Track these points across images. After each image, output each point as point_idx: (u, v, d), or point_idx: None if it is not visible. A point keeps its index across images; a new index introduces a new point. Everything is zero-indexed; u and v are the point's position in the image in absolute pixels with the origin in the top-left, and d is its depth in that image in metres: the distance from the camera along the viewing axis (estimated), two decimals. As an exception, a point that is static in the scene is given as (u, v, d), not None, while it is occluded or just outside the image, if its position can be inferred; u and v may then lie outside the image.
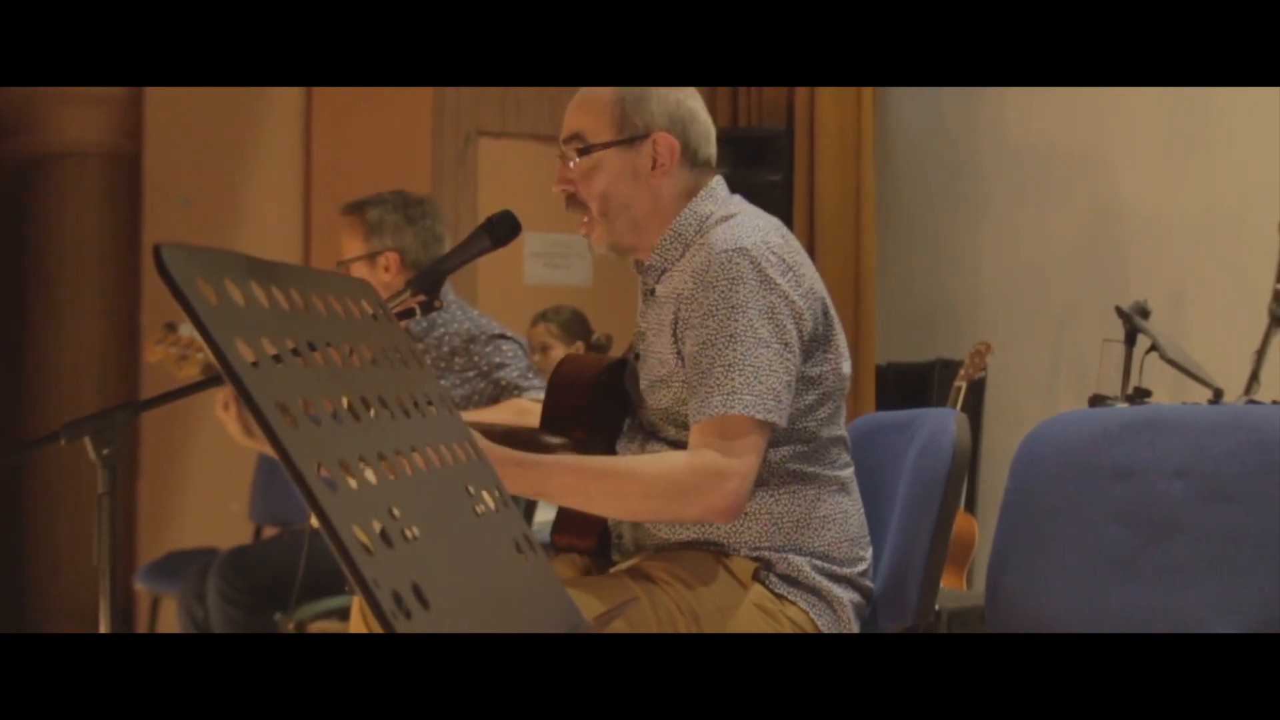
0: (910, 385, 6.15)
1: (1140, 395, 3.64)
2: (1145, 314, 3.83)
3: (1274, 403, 3.24)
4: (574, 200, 2.53)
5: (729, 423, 2.28)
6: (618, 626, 2.26)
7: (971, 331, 5.77)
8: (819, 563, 2.42)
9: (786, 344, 2.32)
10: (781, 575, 2.42)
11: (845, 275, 6.23)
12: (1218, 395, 3.44)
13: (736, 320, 2.30)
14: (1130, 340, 3.85)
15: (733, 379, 2.29)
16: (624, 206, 2.50)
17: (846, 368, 2.47)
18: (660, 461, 2.34)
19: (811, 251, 6.28)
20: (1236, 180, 4.80)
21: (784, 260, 2.37)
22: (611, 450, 2.60)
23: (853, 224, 6.25)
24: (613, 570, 2.49)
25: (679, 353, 2.40)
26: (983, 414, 5.77)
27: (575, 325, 5.87)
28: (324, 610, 4.22)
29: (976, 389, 5.62)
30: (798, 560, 2.41)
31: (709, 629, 2.36)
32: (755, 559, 2.42)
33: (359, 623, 2.52)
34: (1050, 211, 5.71)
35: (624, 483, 2.31)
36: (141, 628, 5.59)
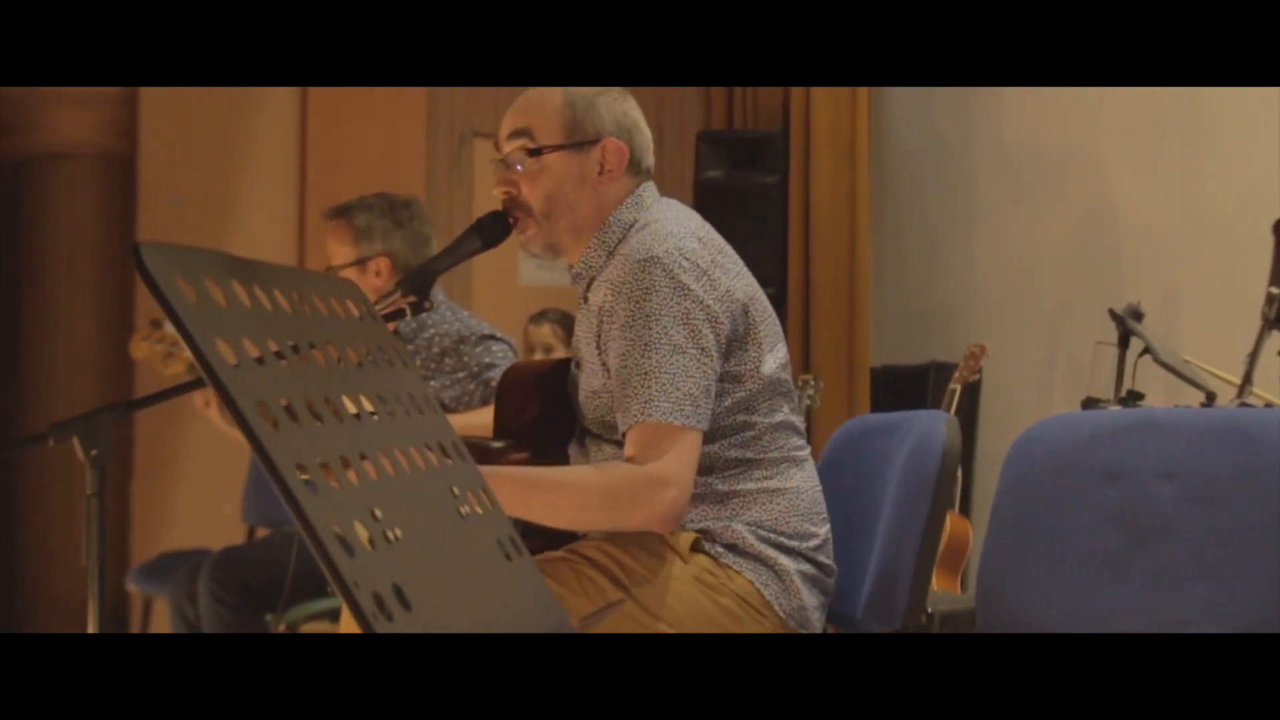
0: (904, 388, 6.14)
1: (1133, 398, 3.63)
2: (1139, 316, 3.82)
3: (1266, 405, 3.24)
4: (514, 201, 2.54)
5: (653, 430, 2.30)
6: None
7: (965, 334, 5.77)
8: (764, 532, 2.44)
9: (703, 349, 2.34)
10: (726, 544, 2.43)
11: (840, 277, 6.23)
12: (1210, 398, 3.43)
13: (651, 329, 2.33)
14: (1124, 343, 3.84)
15: (649, 387, 2.31)
16: (568, 209, 2.52)
17: (771, 365, 2.47)
18: (599, 473, 2.36)
19: (806, 253, 6.27)
20: (1230, 182, 4.79)
21: (697, 265, 2.38)
22: (564, 453, 2.61)
23: (847, 225, 6.25)
24: (548, 554, 2.49)
25: (604, 364, 2.43)
26: (978, 416, 5.77)
27: (571, 326, 5.87)
28: (315, 612, 4.21)
29: (971, 391, 5.62)
30: (739, 528, 2.43)
31: (646, 604, 2.37)
32: (698, 531, 2.43)
33: (350, 624, 2.52)
34: (1044, 213, 5.71)
35: (563, 494, 2.34)
36: (134, 628, 5.58)
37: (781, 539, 2.44)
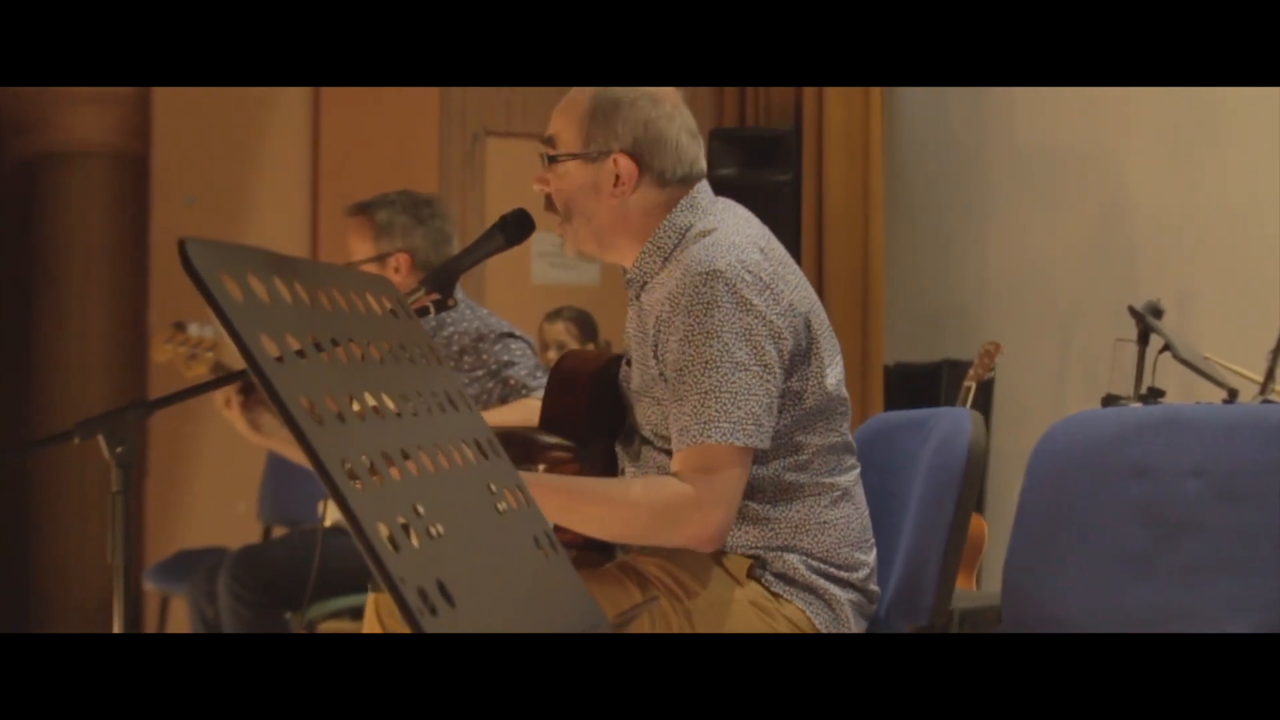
0: (918, 385, 6.14)
1: (1154, 395, 3.63)
2: (1158, 313, 3.82)
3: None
4: (549, 199, 2.55)
5: (707, 451, 2.28)
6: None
7: (979, 332, 5.76)
8: (815, 563, 2.41)
9: (766, 365, 2.30)
10: (777, 574, 2.40)
11: (853, 275, 6.23)
12: (1232, 395, 3.43)
13: (712, 345, 2.29)
14: (1143, 340, 3.84)
15: (709, 406, 2.27)
16: (585, 217, 2.51)
17: (831, 380, 2.43)
18: (645, 490, 2.34)
19: (819, 252, 6.27)
20: (1245, 180, 4.79)
21: (760, 279, 2.33)
22: (610, 450, 2.59)
23: (860, 224, 6.25)
24: (606, 566, 2.48)
25: (661, 373, 2.40)
26: (991, 414, 5.76)
27: (587, 324, 5.88)
28: (334, 610, 4.21)
29: (985, 389, 5.61)
30: (792, 559, 2.40)
31: (702, 627, 2.35)
32: (751, 557, 2.41)
33: (374, 622, 2.51)
34: (1058, 211, 5.70)
35: (607, 509, 2.33)
36: (150, 627, 5.58)
37: (832, 569, 2.42)
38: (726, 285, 2.30)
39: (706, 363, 2.29)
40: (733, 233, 2.41)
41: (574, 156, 2.49)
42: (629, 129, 2.47)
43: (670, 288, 2.37)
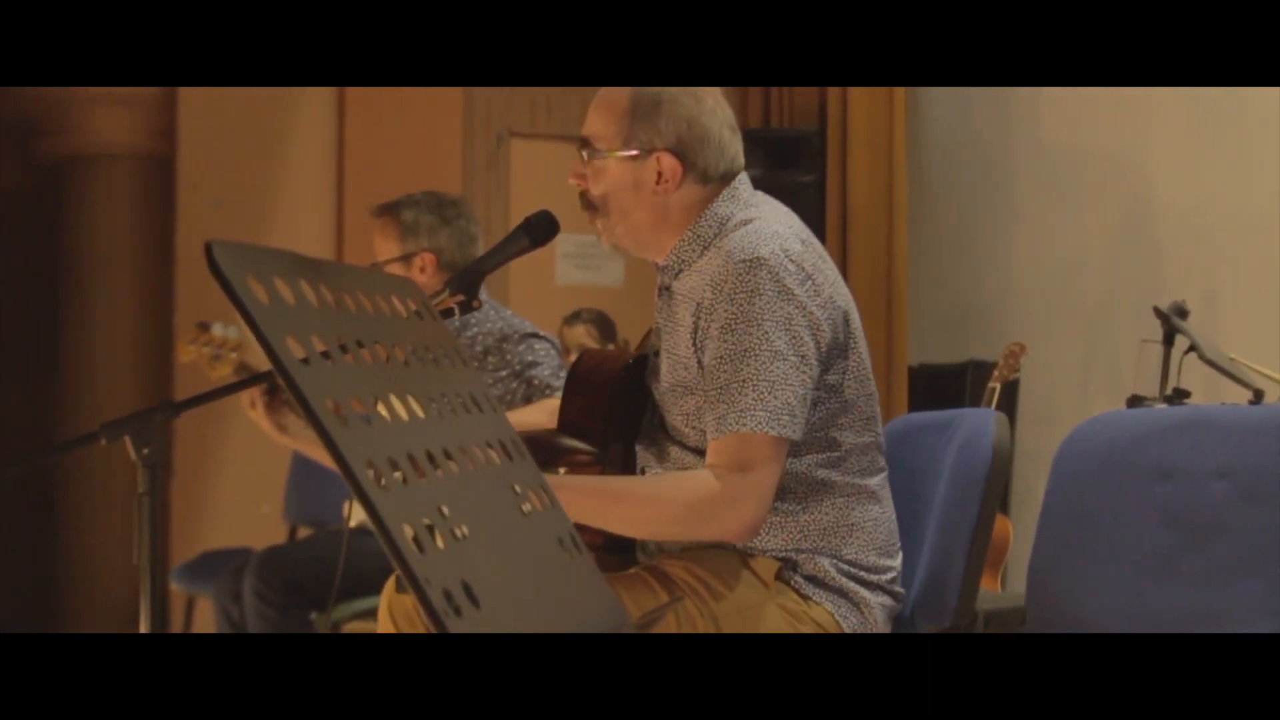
0: (942, 386, 6.12)
1: (1179, 396, 3.62)
2: (1184, 314, 3.81)
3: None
4: (584, 195, 2.53)
5: (743, 441, 2.26)
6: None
7: (1003, 332, 5.74)
8: (845, 566, 2.41)
9: (803, 356, 2.30)
10: (807, 576, 2.40)
11: (877, 276, 6.22)
12: (1258, 396, 3.42)
13: (752, 333, 2.28)
14: (1168, 340, 3.83)
15: (745, 395, 2.26)
16: (623, 214, 2.49)
17: (868, 376, 2.43)
18: (677, 486, 2.34)
19: (843, 252, 6.26)
20: (1271, 180, 4.77)
21: (802, 269, 2.33)
22: (631, 451, 2.59)
23: (884, 225, 6.24)
24: (631, 570, 2.48)
25: (700, 361, 2.38)
26: (1016, 415, 5.75)
27: (606, 326, 5.87)
28: (360, 610, 4.23)
29: (1009, 390, 5.60)
30: (823, 561, 2.40)
31: (729, 630, 2.34)
32: (780, 560, 2.41)
33: (387, 622, 2.52)
34: (1082, 211, 5.69)
35: (641, 508, 2.32)
36: (175, 627, 5.61)
37: (861, 573, 2.41)
38: (769, 273, 2.29)
39: (745, 350, 2.28)
40: (774, 222, 2.40)
41: (615, 154, 2.47)
42: (672, 127, 2.45)
43: (711, 274, 2.36)
